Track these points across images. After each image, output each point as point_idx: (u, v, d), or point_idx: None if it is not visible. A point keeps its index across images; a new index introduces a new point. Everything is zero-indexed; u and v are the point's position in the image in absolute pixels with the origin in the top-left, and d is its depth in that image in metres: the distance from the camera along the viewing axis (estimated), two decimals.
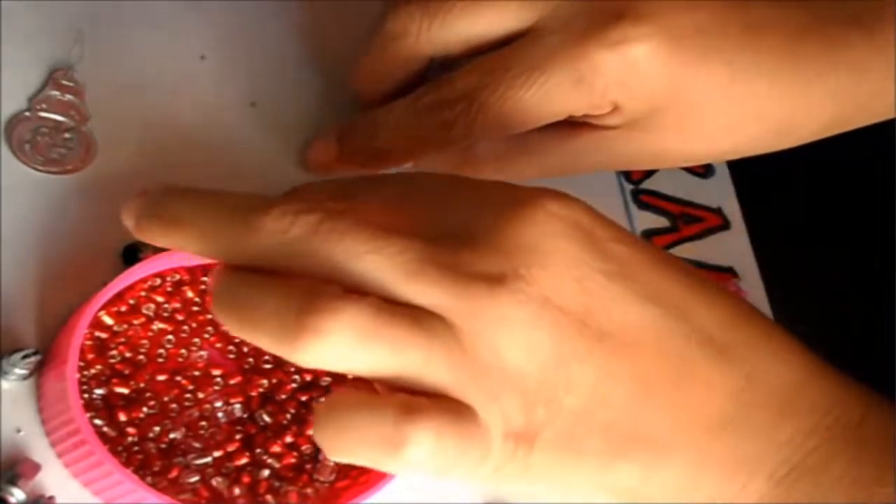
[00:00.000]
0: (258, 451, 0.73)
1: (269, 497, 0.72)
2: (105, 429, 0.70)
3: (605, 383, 0.46)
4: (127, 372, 0.72)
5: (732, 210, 0.87)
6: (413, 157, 0.72)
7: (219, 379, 0.75)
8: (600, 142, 0.69)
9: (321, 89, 0.89)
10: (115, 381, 0.72)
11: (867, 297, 0.93)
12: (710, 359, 0.47)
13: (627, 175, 0.85)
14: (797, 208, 0.96)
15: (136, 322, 0.74)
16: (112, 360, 0.72)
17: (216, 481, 0.71)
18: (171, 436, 0.72)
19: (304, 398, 0.75)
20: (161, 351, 0.74)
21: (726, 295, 0.50)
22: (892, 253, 0.89)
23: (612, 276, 0.47)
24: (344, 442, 0.48)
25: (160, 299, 0.75)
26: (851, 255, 0.94)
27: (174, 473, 0.71)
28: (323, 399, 0.75)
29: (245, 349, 0.76)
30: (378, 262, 0.46)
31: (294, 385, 0.76)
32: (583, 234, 0.47)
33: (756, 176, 0.89)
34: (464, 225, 0.47)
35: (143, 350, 0.74)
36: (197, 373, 0.75)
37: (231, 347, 0.76)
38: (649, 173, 0.88)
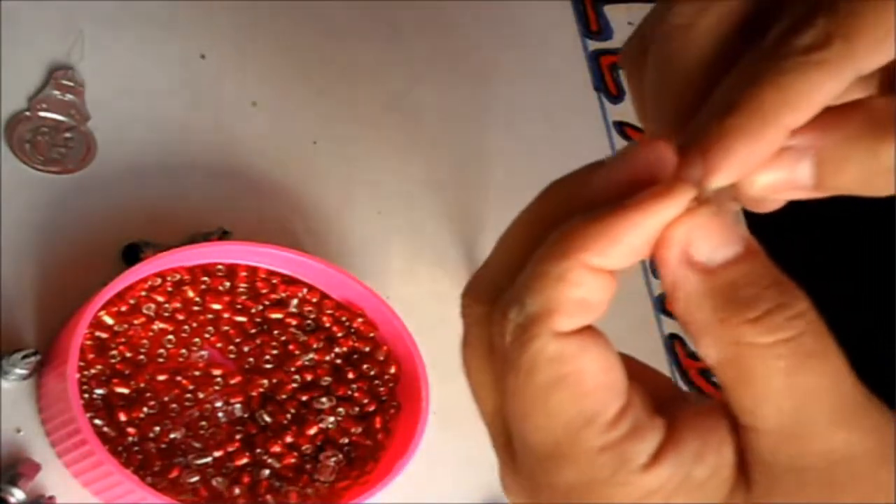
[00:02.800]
0: (258, 451, 0.73)
1: (269, 497, 0.72)
2: (105, 429, 0.70)
3: None
4: (127, 372, 0.72)
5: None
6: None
7: (219, 379, 0.75)
8: None
9: (321, 89, 0.89)
10: (115, 381, 0.72)
11: (869, 297, 0.93)
12: None
13: None
14: (798, 207, 0.95)
15: (136, 322, 0.74)
16: (112, 360, 0.72)
17: (216, 481, 0.71)
18: (171, 436, 0.72)
19: (304, 398, 0.75)
20: (161, 351, 0.74)
21: None
22: (893, 253, 0.89)
23: None
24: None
25: (160, 299, 0.75)
26: (853, 255, 0.94)
27: (174, 473, 0.71)
28: (324, 399, 0.75)
29: (246, 349, 0.76)
30: None
31: (294, 385, 0.76)
32: None
33: None
34: None
35: (143, 350, 0.74)
36: (197, 373, 0.75)
37: (231, 347, 0.76)
38: None
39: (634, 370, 0.41)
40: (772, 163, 0.42)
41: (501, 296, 0.41)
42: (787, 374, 0.39)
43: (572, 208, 0.40)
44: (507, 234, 0.42)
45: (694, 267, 0.39)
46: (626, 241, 0.39)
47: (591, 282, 0.39)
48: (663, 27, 0.45)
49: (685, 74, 0.44)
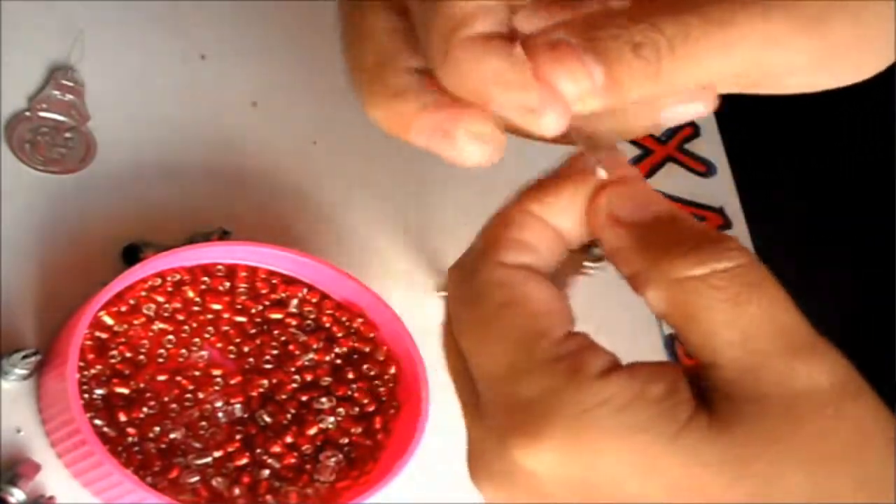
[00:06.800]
0: (258, 451, 0.73)
1: (269, 497, 0.72)
2: (105, 429, 0.70)
3: None
4: (127, 372, 0.72)
5: (734, 210, 0.87)
6: None
7: (219, 379, 0.75)
8: None
9: (321, 89, 0.89)
10: (115, 381, 0.72)
11: (868, 297, 0.93)
12: None
13: None
14: (798, 208, 0.96)
15: (136, 322, 0.74)
16: (112, 361, 0.72)
17: (216, 481, 0.71)
18: (171, 436, 0.72)
19: (304, 398, 0.75)
20: (161, 351, 0.74)
21: None
22: (892, 254, 0.89)
23: None
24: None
25: (160, 299, 0.75)
26: (852, 255, 0.94)
27: (174, 473, 0.71)
28: (324, 399, 0.75)
29: (246, 349, 0.76)
30: None
31: (294, 385, 0.76)
32: None
33: (757, 176, 0.89)
34: None
35: (143, 350, 0.74)
36: (197, 373, 0.75)
37: (231, 347, 0.76)
38: (649, 174, 0.88)
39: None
40: (565, 66, 0.42)
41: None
42: (730, 305, 0.40)
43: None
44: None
45: (620, 225, 0.43)
46: (559, 191, 0.44)
47: (534, 227, 0.44)
48: None
49: None
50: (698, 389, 0.41)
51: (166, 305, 0.75)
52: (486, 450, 0.43)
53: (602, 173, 0.44)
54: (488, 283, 0.43)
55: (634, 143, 0.96)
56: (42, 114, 0.79)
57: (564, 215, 0.44)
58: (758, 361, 0.40)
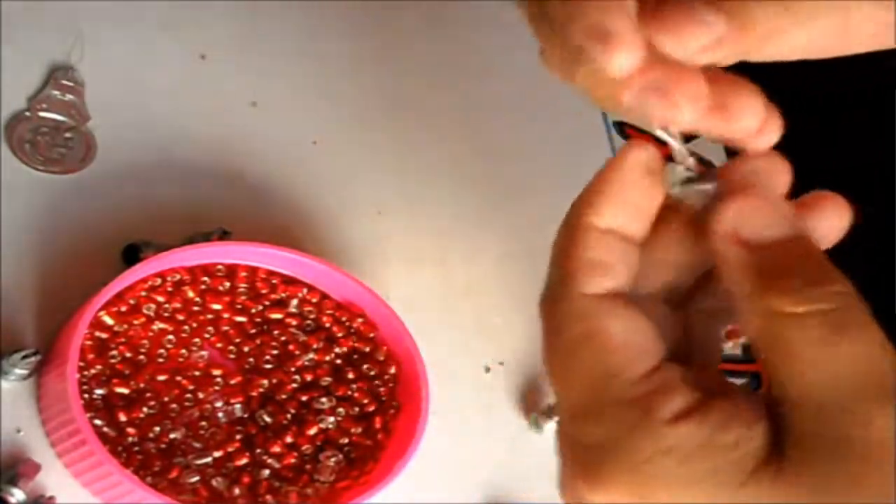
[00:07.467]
0: (258, 451, 0.73)
1: (269, 497, 0.72)
2: (105, 429, 0.70)
3: None
4: (127, 372, 0.72)
5: None
6: None
7: (219, 379, 0.75)
8: None
9: (321, 89, 0.89)
10: (115, 381, 0.72)
11: (868, 297, 0.93)
12: None
13: None
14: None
15: (136, 322, 0.74)
16: (112, 361, 0.72)
17: (216, 481, 0.71)
18: (171, 436, 0.72)
19: (304, 398, 0.75)
20: (161, 351, 0.74)
21: None
22: (892, 254, 0.89)
23: None
24: None
25: (161, 299, 0.75)
26: (852, 255, 0.94)
27: (174, 473, 0.71)
28: (324, 399, 0.75)
29: (246, 349, 0.76)
30: None
31: (294, 385, 0.76)
32: None
33: None
34: None
35: (143, 350, 0.74)
36: (197, 373, 0.75)
37: (231, 347, 0.76)
38: None
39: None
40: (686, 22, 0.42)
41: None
42: (821, 345, 0.40)
43: None
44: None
45: (740, 243, 0.41)
46: (611, 193, 0.43)
47: (603, 243, 0.42)
48: None
49: None
50: (776, 425, 0.41)
51: (166, 305, 0.75)
52: (564, 480, 0.43)
53: (661, 134, 0.43)
54: (568, 314, 0.42)
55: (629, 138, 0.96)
56: (42, 114, 0.79)
57: (621, 214, 0.43)
58: (839, 405, 0.40)
